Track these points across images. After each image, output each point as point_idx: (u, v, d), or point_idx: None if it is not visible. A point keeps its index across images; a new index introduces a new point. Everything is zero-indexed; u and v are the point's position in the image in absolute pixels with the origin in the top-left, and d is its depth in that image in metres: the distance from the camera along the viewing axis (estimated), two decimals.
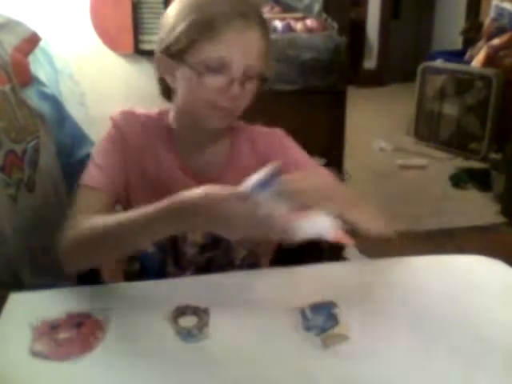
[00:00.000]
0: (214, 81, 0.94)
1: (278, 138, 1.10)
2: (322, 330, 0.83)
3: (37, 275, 1.29)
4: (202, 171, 1.06)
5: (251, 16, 0.94)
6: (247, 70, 0.94)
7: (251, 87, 0.97)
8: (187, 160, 1.06)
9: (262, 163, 1.08)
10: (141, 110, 1.08)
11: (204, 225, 0.86)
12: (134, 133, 1.04)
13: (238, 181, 1.06)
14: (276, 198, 0.81)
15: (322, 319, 0.86)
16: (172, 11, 0.98)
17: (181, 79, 0.98)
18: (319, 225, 0.83)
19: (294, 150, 1.10)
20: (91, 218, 0.93)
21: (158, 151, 1.05)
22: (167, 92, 1.05)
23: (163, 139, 1.06)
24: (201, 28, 0.92)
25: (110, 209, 1.00)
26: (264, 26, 0.97)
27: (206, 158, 1.06)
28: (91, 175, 1.00)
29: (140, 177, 1.04)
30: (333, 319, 0.85)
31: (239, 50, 0.93)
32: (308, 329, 0.84)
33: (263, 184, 0.82)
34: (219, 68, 0.93)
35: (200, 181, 1.05)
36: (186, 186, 1.04)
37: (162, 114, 1.08)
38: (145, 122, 1.06)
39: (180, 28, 0.94)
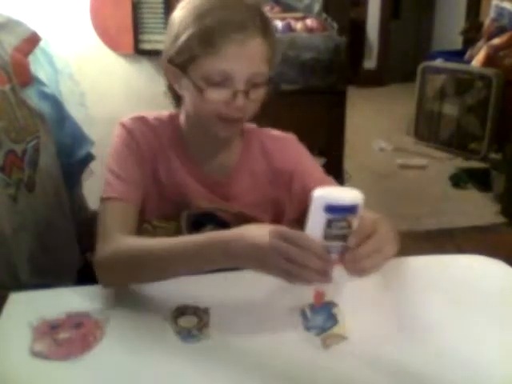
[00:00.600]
0: (218, 94, 0.93)
1: (291, 145, 1.09)
2: (322, 330, 0.83)
3: (36, 275, 1.29)
4: (213, 175, 1.05)
5: (250, 25, 0.91)
6: (252, 78, 0.93)
7: (258, 95, 0.95)
8: (198, 164, 1.05)
9: (273, 168, 1.08)
10: (150, 113, 1.07)
11: (264, 270, 0.77)
12: (146, 137, 1.03)
13: (248, 184, 1.06)
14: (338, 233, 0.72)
15: (321, 319, 0.86)
16: (176, 19, 0.96)
17: (186, 89, 0.98)
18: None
19: (306, 159, 1.09)
20: (133, 238, 0.93)
21: (168, 155, 1.04)
22: (177, 99, 1.04)
23: (174, 143, 1.05)
24: (200, 42, 0.91)
25: (137, 216, 1.00)
26: (266, 29, 0.94)
27: (217, 162, 1.06)
28: (113, 186, 0.98)
29: (152, 180, 1.03)
30: (332, 319, 0.85)
31: (240, 62, 0.92)
32: (308, 329, 0.84)
33: (337, 207, 0.71)
34: (222, 81, 0.92)
35: (210, 184, 1.05)
36: (196, 191, 1.04)
37: (173, 118, 1.06)
38: (155, 126, 1.05)
39: (181, 40, 0.93)
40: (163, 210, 1.05)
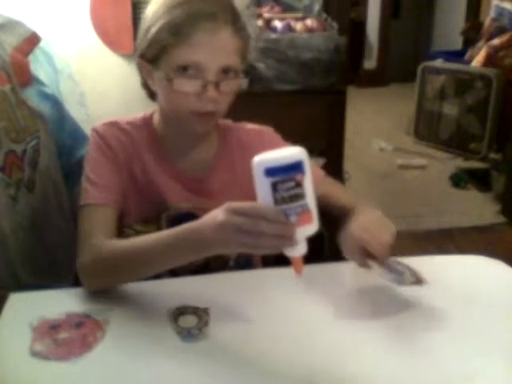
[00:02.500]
0: (188, 86, 0.93)
1: (268, 136, 1.10)
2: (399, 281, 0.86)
3: (36, 275, 1.29)
4: (190, 172, 1.05)
5: (220, 16, 0.92)
6: (223, 70, 0.94)
7: (229, 87, 0.95)
8: (175, 163, 1.05)
9: (250, 162, 1.07)
10: (123, 118, 1.08)
11: (229, 249, 0.77)
12: (120, 142, 1.04)
13: (227, 180, 1.06)
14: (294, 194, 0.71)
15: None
16: (148, 13, 0.97)
17: (158, 84, 0.99)
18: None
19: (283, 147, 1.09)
20: (112, 241, 0.93)
21: (143, 157, 1.04)
22: (152, 96, 1.04)
23: (149, 145, 1.05)
24: (170, 33, 0.92)
25: (118, 219, 1.00)
26: (236, 21, 0.95)
27: (194, 158, 1.06)
28: (90, 193, 0.99)
29: (130, 184, 1.04)
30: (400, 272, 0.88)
31: (211, 52, 0.92)
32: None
33: (278, 168, 0.70)
34: (193, 72, 0.93)
35: (188, 183, 1.05)
36: (174, 191, 1.04)
37: (147, 119, 1.07)
38: (128, 131, 1.05)
39: (152, 33, 0.94)
40: (143, 213, 1.05)
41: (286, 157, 0.71)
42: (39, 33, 1.52)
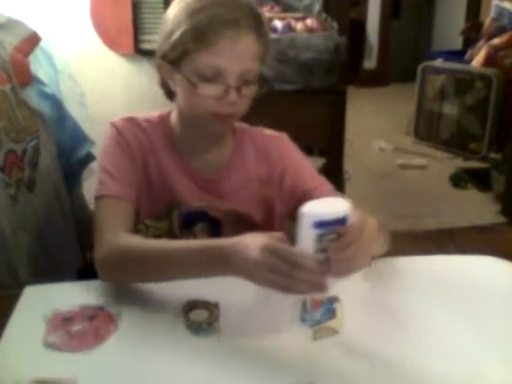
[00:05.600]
0: (210, 90, 0.94)
1: (283, 143, 1.10)
2: (317, 323, 0.85)
3: (36, 275, 1.29)
4: (204, 173, 1.06)
5: (243, 22, 0.92)
6: (244, 75, 0.94)
7: (249, 91, 0.97)
8: (189, 162, 1.06)
9: (265, 166, 1.08)
10: (141, 114, 1.08)
11: (256, 282, 0.77)
12: (136, 138, 1.04)
13: (239, 182, 1.07)
14: (325, 244, 0.73)
15: (320, 312, 0.87)
16: (169, 16, 0.97)
17: (178, 85, 0.99)
18: None
19: (298, 157, 1.10)
20: (133, 237, 0.93)
21: (159, 155, 1.05)
22: (170, 94, 1.05)
23: (165, 142, 1.05)
24: (193, 38, 0.92)
25: (134, 213, 1.00)
26: (259, 27, 0.95)
27: (209, 159, 1.06)
28: (107, 185, 0.99)
29: (144, 180, 1.04)
30: (330, 313, 0.86)
31: (233, 58, 0.93)
32: (303, 320, 0.85)
33: (326, 222, 0.72)
34: (214, 77, 0.93)
35: (201, 182, 1.05)
36: (187, 189, 1.05)
37: (164, 117, 1.08)
38: (145, 127, 1.06)
39: (175, 37, 0.94)
40: (155, 209, 1.05)
41: (334, 212, 0.73)
42: (39, 33, 1.52)
